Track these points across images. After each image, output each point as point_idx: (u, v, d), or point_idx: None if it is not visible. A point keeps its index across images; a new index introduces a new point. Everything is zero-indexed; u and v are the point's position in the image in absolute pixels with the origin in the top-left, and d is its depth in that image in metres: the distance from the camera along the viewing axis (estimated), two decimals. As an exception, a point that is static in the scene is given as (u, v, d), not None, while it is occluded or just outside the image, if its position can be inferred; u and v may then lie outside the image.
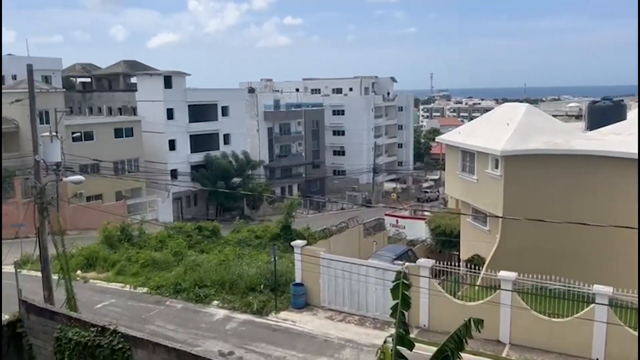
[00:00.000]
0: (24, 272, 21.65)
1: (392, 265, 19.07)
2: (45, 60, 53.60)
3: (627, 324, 15.48)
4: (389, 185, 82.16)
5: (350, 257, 20.36)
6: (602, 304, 15.23)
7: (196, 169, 53.04)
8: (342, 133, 77.27)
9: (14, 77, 53.17)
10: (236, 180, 53.34)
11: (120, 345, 12.20)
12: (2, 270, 17.34)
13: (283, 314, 19.36)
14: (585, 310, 15.65)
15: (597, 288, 15.47)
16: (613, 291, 15.44)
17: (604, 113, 23.62)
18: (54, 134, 15.29)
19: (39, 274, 16.75)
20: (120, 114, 54.11)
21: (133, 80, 59.63)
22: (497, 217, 21.06)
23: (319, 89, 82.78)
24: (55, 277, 17.11)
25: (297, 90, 79.66)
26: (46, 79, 52.14)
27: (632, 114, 24.81)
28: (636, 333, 15.21)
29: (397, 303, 7.65)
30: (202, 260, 24.14)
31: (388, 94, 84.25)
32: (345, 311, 19.30)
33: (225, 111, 56.67)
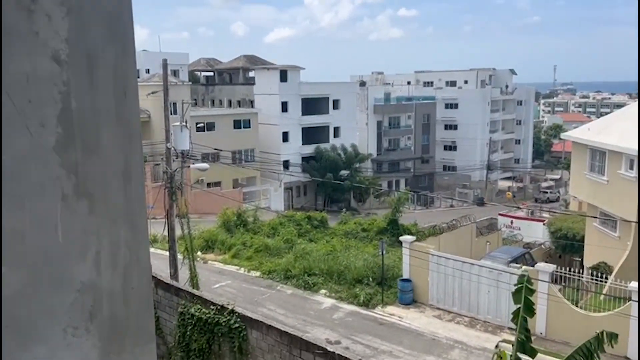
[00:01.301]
0: (152, 250, 23.73)
1: (508, 267, 18.13)
2: (174, 55, 57.97)
3: None
4: (503, 184, 77.99)
5: (461, 257, 19.72)
6: None
7: (307, 161, 54.42)
8: (455, 127, 74.75)
9: (147, 71, 58.29)
10: (344, 172, 53.89)
11: (237, 325, 12.90)
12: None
13: (389, 309, 19.28)
14: None
15: None
16: None
17: None
18: (184, 124, 16.49)
19: (166, 252, 18.24)
20: (239, 107, 57.03)
21: (251, 74, 62.50)
22: (631, 222, 19.13)
23: (432, 82, 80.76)
24: (180, 256, 18.54)
25: (409, 83, 78.31)
26: (174, 73, 56.42)
27: None
28: None
29: (519, 308, 7.22)
30: (311, 249, 24.77)
31: (506, 87, 79.89)
32: (455, 311, 18.75)
33: (336, 104, 57.39)
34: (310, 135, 55.38)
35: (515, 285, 7.54)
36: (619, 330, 15.36)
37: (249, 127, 49.75)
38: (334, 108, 57.21)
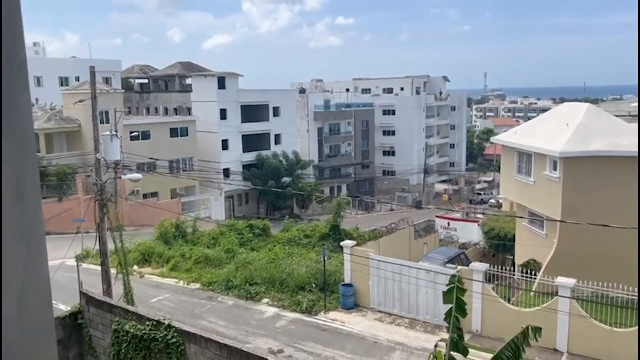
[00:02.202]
0: (84, 265, 22.67)
1: (444, 268, 18.69)
2: (105, 62, 56.01)
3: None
4: (440, 187, 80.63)
5: (400, 259, 20.14)
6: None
7: (247, 168, 53.96)
8: (393, 133, 76.54)
9: (77, 79, 55.89)
10: (286, 179, 53.84)
11: (174, 340, 12.54)
12: (64, 263, 18.22)
13: (332, 314, 19.36)
14: (651, 321, 14.80)
15: (665, 298, 14.59)
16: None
17: (673, 112, 22.25)
18: (114, 133, 15.92)
19: (99, 267, 17.49)
20: (176, 114, 55.75)
21: (188, 81, 61.33)
22: (556, 221, 20.25)
23: (369, 89, 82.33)
24: (113, 271, 17.82)
25: (347, 90, 79.50)
26: (106, 80, 54.46)
27: None
28: None
29: (451, 308, 7.46)
30: (253, 258, 24.52)
31: (440, 93, 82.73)
32: (395, 313, 19.09)
33: (276, 111, 57.34)
34: (251, 142, 54.98)
35: (447, 285, 7.77)
36: (548, 323, 16.22)
37: (187, 135, 48.72)
38: (274, 115, 57.12)
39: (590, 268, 17.99)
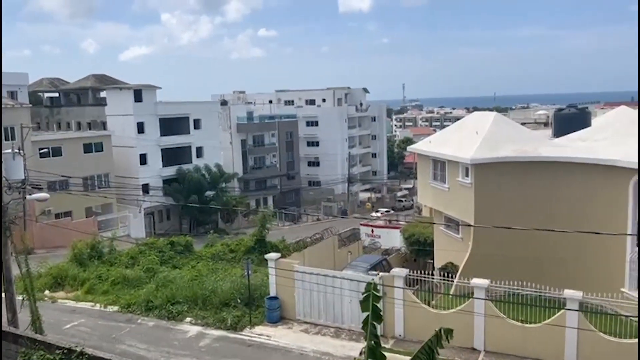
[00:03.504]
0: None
1: (366, 275, 19.01)
2: (10, 75, 52.28)
3: (598, 328, 15.72)
4: (364, 195, 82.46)
5: (324, 269, 20.27)
6: (573, 310, 15.45)
7: (168, 183, 52.33)
8: (317, 144, 77.42)
9: (-22, 93, 51.78)
10: (209, 193, 52.77)
11: (87, 368, 11.78)
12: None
13: (258, 329, 19.09)
14: (556, 315, 15.84)
15: (568, 293, 15.69)
16: (583, 295, 15.69)
17: (569, 120, 24.16)
18: (16, 150, 14.84)
19: (2, 295, 16.14)
20: (90, 129, 53.13)
21: (103, 94, 58.70)
22: (466, 225, 21.26)
23: (292, 101, 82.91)
24: (20, 298, 16.53)
25: (270, 102, 79.55)
26: (12, 95, 50.87)
27: (596, 121, 25.47)
28: (607, 337, 15.45)
29: (368, 315, 7.57)
30: (175, 276, 23.70)
31: (361, 104, 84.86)
32: (321, 323, 19.14)
33: (197, 124, 56.18)
34: (171, 156, 53.43)
35: (363, 293, 7.88)
36: (465, 323, 16.96)
37: (102, 150, 46.51)
38: (195, 128, 55.94)
39: (503, 268, 18.97)
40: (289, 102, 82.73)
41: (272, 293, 20.10)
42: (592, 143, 20.80)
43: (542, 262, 20.02)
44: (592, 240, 18.19)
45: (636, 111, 24.72)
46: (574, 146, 21.15)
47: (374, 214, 61.00)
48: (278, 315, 19.69)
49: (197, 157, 55.81)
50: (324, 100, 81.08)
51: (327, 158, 76.29)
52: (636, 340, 15.18)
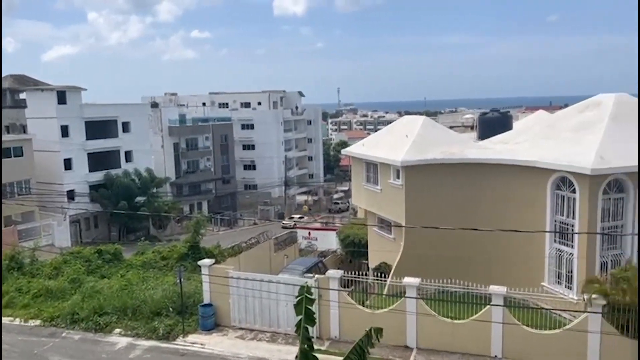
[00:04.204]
0: None
1: (302, 278, 19.02)
2: None
3: (522, 321, 16.56)
4: (301, 198, 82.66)
5: (260, 273, 20.10)
6: (497, 305, 16.19)
7: (95, 189, 50.06)
8: (252, 147, 76.82)
9: None
10: (140, 199, 50.99)
11: (3, 388, 11.00)
12: None
13: (191, 337, 18.61)
14: (482, 311, 16.53)
15: (493, 289, 16.42)
16: (507, 291, 16.47)
17: (492, 124, 25.37)
18: None
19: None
20: (8, 132, 49.82)
21: (22, 95, 55.29)
22: (398, 225, 21.81)
23: (227, 103, 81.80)
24: None
25: (204, 104, 78.12)
26: None
27: (517, 125, 26.91)
28: (530, 329, 16.31)
29: (301, 318, 7.56)
30: (103, 286, 22.67)
31: (296, 107, 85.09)
32: (257, 329, 18.95)
33: (126, 127, 54.17)
34: (99, 161, 51.19)
35: (296, 297, 7.86)
36: (398, 322, 17.35)
37: (22, 155, 43.72)
38: (124, 131, 53.92)
39: (433, 267, 19.56)
40: (224, 105, 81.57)
41: (206, 300, 19.68)
42: (514, 145, 21.94)
43: (469, 260, 20.84)
44: (515, 238, 19.20)
45: (552, 115, 26.31)
46: (497, 148, 22.22)
47: (285, 221, 58.33)
48: (212, 323, 19.29)
49: (127, 161, 53.80)
50: (259, 103, 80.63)
51: (264, 161, 75.90)
52: (557, 331, 16.16)
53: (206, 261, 20.15)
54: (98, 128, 51.13)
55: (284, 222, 58.28)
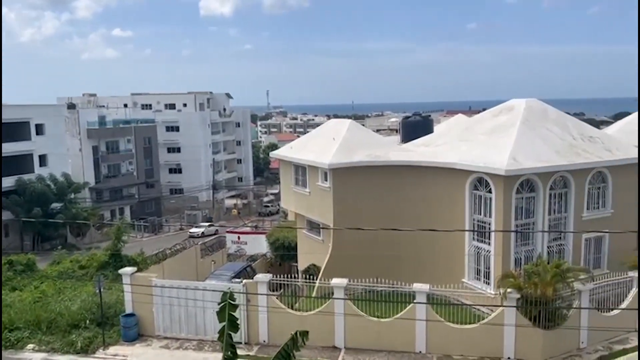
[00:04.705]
0: None
1: (229, 284, 18.71)
2: None
3: (444, 317, 17.21)
4: (230, 202, 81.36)
5: (185, 281, 19.58)
6: (421, 303, 16.73)
7: (6, 196, 46.61)
8: (178, 150, 74.67)
9: None
10: (56, 205, 48.12)
11: None
12: None
13: (112, 349, 17.78)
14: (407, 308, 17.02)
15: (416, 286, 16.95)
16: (430, 288, 17.06)
17: (415, 127, 26.24)
18: None
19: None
20: None
21: None
22: (322, 227, 22.03)
23: (150, 105, 78.91)
24: None
25: (126, 105, 75.02)
26: None
27: (437, 128, 28.02)
28: (452, 325, 16.99)
29: (224, 325, 7.40)
30: (13, 300, 21.16)
31: (224, 109, 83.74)
32: (183, 337, 18.42)
33: (40, 129, 50.93)
34: (9, 165, 47.63)
35: (219, 303, 7.69)
36: (327, 323, 17.48)
37: None
38: (37, 133, 50.68)
39: (361, 267, 19.90)
40: (147, 106, 78.68)
41: (129, 310, 18.88)
42: (434, 148, 22.81)
43: (396, 259, 21.38)
44: (438, 237, 19.93)
45: (469, 119, 27.63)
46: (419, 151, 23.01)
47: (192, 230, 54.25)
48: (135, 333, 18.53)
49: (41, 165, 50.59)
50: (184, 105, 78.52)
51: (190, 164, 73.99)
52: (476, 325, 16.94)
53: (127, 269, 19.33)
54: (8, 130, 47.61)
55: (190, 231, 54.27)
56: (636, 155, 22.22)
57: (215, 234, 45.63)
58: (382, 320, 17.32)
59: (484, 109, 26.63)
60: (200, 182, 72.46)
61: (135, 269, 19.91)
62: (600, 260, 21.44)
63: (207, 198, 73.16)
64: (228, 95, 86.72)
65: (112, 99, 78.06)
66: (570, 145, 20.95)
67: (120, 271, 19.39)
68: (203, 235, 48.89)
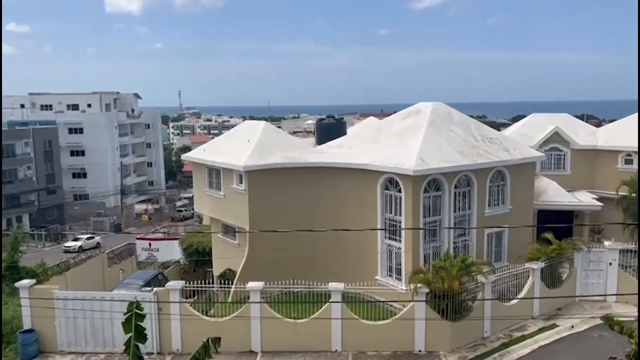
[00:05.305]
0: None
1: (139, 293, 17.90)
2: None
3: (359, 314, 17.58)
4: (140, 207, 77.97)
5: (91, 291, 18.49)
6: (336, 302, 17.00)
7: None
8: (82, 153, 70.33)
9: None
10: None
11: None
12: None
13: (8, 370, 16.37)
14: (322, 308, 17.22)
15: (332, 286, 17.20)
16: (345, 287, 17.38)
17: (329, 129, 26.67)
18: None
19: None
20: None
21: None
22: (237, 232, 21.76)
23: (51, 105, 73.76)
24: None
25: (23, 106, 69.58)
26: None
27: (351, 130, 28.66)
28: (366, 322, 17.41)
29: (130, 336, 7.05)
30: None
31: (132, 110, 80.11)
32: (89, 351, 17.41)
33: None
34: None
35: (125, 314, 7.32)
36: (243, 328, 17.24)
37: None
38: None
39: (278, 270, 19.75)
40: (47, 107, 73.42)
41: (27, 325, 17.51)
42: (348, 149, 23.30)
43: (312, 260, 21.53)
44: (352, 236, 20.37)
45: (380, 121, 28.52)
46: (333, 152, 23.39)
47: (68, 244, 49.26)
48: (35, 350, 17.24)
49: None
50: (89, 106, 74.16)
51: (96, 168, 69.94)
52: (388, 320, 17.48)
53: (25, 282, 17.92)
54: None
55: (65, 245, 49.29)
56: (531, 155, 24.10)
57: (96, 247, 41.27)
58: (299, 321, 17.38)
59: (395, 112, 27.61)
60: (107, 187, 68.79)
61: (34, 281, 18.52)
62: (501, 254, 22.95)
63: (115, 204, 69.66)
64: (137, 96, 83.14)
65: (7, 98, 72.00)
66: (472, 146, 22.25)
67: (17, 284, 17.93)
68: (81, 249, 44.16)
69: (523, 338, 18.27)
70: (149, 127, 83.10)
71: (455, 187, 21.12)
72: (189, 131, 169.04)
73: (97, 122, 70.61)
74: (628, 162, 28.77)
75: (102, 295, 17.94)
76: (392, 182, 20.83)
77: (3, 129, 58.04)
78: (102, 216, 65.45)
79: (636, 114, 31.14)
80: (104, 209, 67.95)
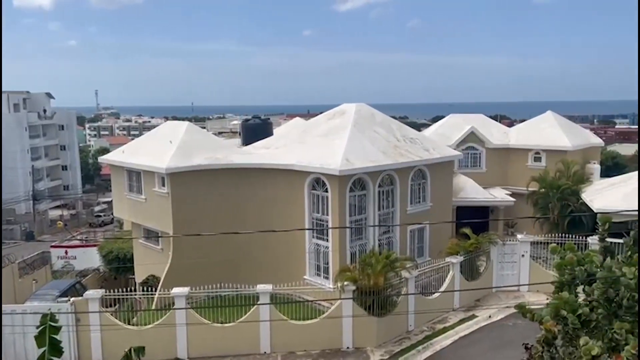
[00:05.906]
0: None
1: (54, 304, 16.87)
2: None
3: (287, 315, 17.60)
4: (55, 213, 73.42)
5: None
6: (264, 304, 16.92)
7: None
8: (-12, 157, 65.21)
9: None
10: None
11: None
12: None
13: None
14: (250, 311, 17.08)
15: (260, 287, 17.10)
16: (273, 288, 17.34)
17: (255, 130, 26.46)
18: None
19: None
20: None
21: None
22: (166, 236, 21.10)
23: (-51, 105, 67.74)
24: None
25: None
26: None
27: (278, 130, 28.61)
28: (294, 322, 17.46)
29: (44, 351, 6.62)
30: None
31: (44, 111, 75.33)
32: (-3, 370, 16.10)
33: None
34: None
35: (37, 327, 6.87)
36: (168, 335, 16.73)
37: None
38: None
39: (204, 274, 19.37)
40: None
41: None
42: (274, 150, 23.25)
43: (240, 262, 21.29)
44: (280, 237, 20.35)
45: (306, 122, 28.72)
46: (260, 153, 23.24)
47: (74, 233, 52.31)
48: None
49: None
50: (-5, 106, 68.87)
51: (5, 173, 65.11)
52: (316, 319, 17.63)
53: None
54: None
55: None
56: (449, 154, 25.24)
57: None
58: (226, 325, 17.14)
59: (321, 112, 27.91)
60: (17, 192, 64.22)
61: None
62: (423, 249, 23.86)
63: (26, 210, 65.22)
64: (49, 95, 78.29)
65: None
66: (394, 146, 22.95)
67: None
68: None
69: (445, 330, 19.09)
70: (63, 129, 78.55)
71: (379, 186, 21.68)
72: (107, 132, 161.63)
73: (5, 124, 65.74)
74: (537, 159, 30.89)
75: (12, 308, 16.70)
76: (319, 182, 21.03)
77: None
78: (12, 223, 61.04)
79: (543, 115, 33.52)
80: (14, 215, 63.46)
